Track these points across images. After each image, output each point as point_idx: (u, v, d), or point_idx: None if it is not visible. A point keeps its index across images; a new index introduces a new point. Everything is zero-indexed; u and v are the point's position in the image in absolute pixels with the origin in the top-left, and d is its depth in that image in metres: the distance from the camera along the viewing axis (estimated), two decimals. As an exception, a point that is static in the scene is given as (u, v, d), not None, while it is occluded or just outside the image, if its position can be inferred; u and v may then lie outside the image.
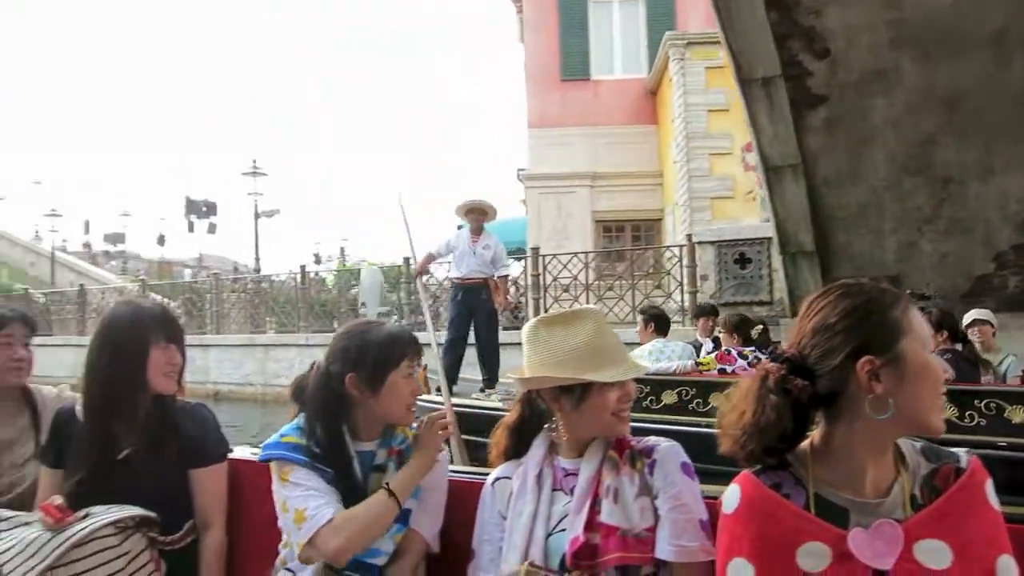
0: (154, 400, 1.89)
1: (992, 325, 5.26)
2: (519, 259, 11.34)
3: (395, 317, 11.96)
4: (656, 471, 1.48)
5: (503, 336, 10.01)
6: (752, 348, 5.25)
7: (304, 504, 1.64)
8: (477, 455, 3.75)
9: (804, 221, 6.74)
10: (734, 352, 5.20)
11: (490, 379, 7.01)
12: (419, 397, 1.83)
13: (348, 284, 15.69)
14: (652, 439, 1.55)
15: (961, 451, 1.28)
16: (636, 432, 1.60)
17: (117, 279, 24.77)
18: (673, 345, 5.55)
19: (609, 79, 15.99)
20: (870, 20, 5.23)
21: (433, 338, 4.39)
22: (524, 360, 1.62)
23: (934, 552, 1.14)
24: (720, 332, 5.66)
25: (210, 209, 32.61)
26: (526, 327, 1.64)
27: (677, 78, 13.05)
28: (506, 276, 7.37)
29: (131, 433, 1.84)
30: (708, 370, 5.20)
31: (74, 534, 1.64)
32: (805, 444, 1.28)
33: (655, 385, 5.12)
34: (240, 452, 2.11)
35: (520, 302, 11.51)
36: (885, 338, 1.19)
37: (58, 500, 1.72)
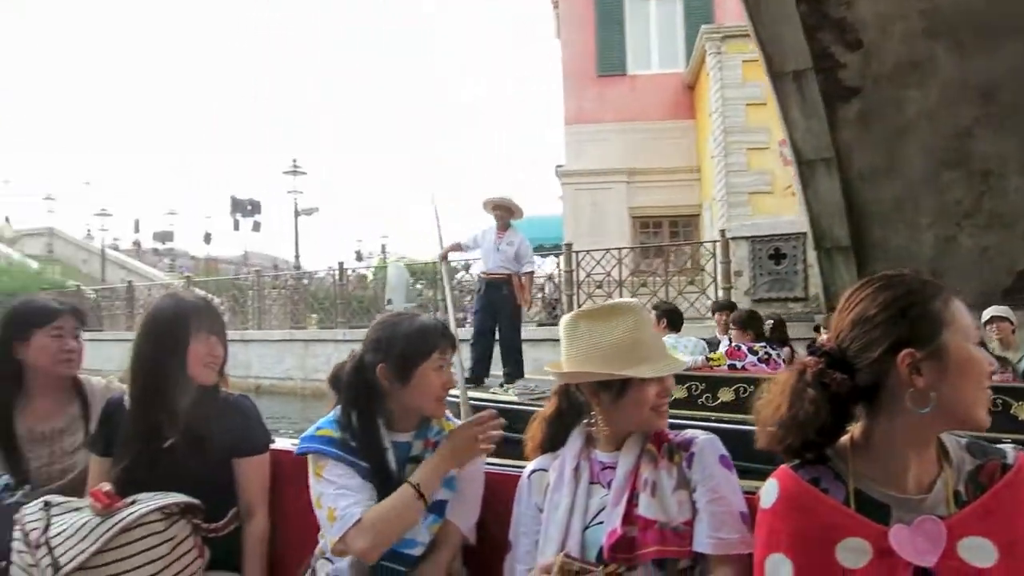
0: (198, 391, 1.94)
1: (1011, 322, 5.13)
2: (556, 256, 11.38)
3: (429, 313, 12.08)
4: (694, 464, 1.47)
5: (539, 332, 10.11)
6: (763, 344, 5.23)
7: (335, 503, 1.66)
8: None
9: (839, 216, 6.62)
10: (744, 348, 5.19)
11: (510, 374, 7.06)
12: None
13: (385, 281, 15.89)
14: (690, 432, 1.54)
15: (1008, 447, 1.25)
16: None
17: (165, 276, 25.44)
18: (685, 340, 5.58)
19: (646, 74, 15.89)
20: (902, 10, 5.11)
21: (453, 323, 4.43)
22: (562, 354, 1.62)
23: (979, 550, 1.12)
24: (731, 328, 5.64)
25: (255, 208, 33.21)
26: (564, 320, 1.63)
27: (714, 72, 12.91)
28: (531, 273, 7.39)
29: (175, 422, 1.89)
30: (718, 365, 5.20)
31: (122, 519, 1.70)
32: (845, 439, 1.26)
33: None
34: (281, 443, 2.16)
35: (556, 298, 11.52)
36: (926, 330, 1.16)
37: (107, 487, 1.77)
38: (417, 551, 1.69)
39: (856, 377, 1.20)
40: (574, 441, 1.63)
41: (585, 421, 1.65)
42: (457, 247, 7.64)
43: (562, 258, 10.77)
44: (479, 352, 7.13)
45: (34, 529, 1.71)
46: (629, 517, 1.44)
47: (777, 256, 8.43)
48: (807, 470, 1.25)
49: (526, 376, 7.02)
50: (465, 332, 7.49)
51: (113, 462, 1.90)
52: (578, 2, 15.96)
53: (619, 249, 10.45)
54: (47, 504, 1.78)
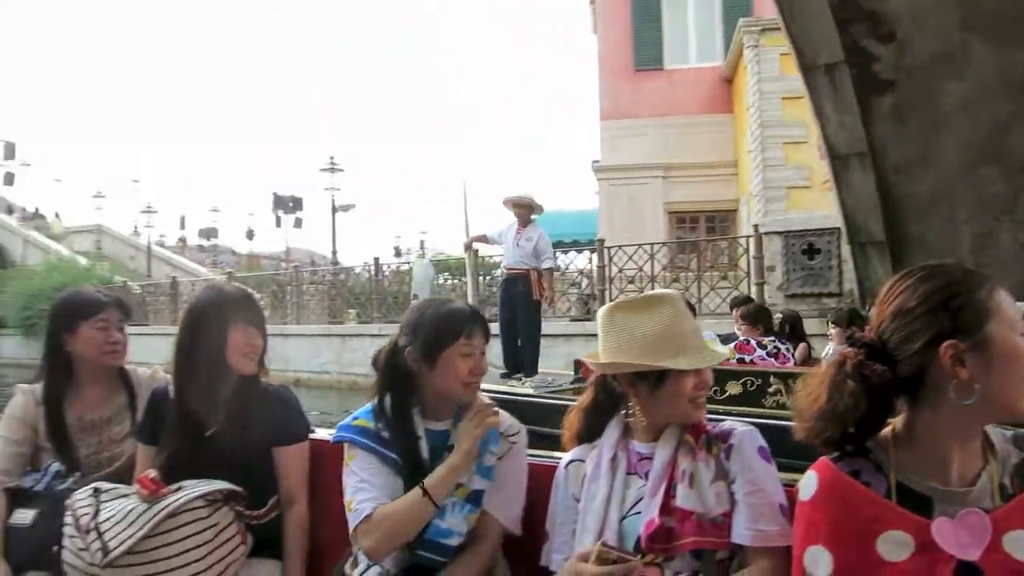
0: (238, 381, 1.98)
1: None
2: (590, 251, 11.39)
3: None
4: (733, 455, 1.47)
5: (572, 327, 10.14)
6: (771, 338, 5.23)
7: (353, 496, 1.69)
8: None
9: (873, 211, 6.51)
10: (752, 342, 5.20)
11: (528, 368, 7.18)
12: None
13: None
14: (728, 424, 1.54)
15: None
16: None
17: (208, 272, 26.02)
18: (698, 333, 5.60)
19: (683, 68, 15.75)
20: (937, 1, 5.03)
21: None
22: (599, 344, 1.61)
23: None
24: (740, 323, 5.65)
25: (296, 204, 33.78)
26: (601, 311, 1.64)
27: (751, 66, 12.76)
28: (549, 269, 7.49)
29: (216, 411, 1.93)
30: (727, 359, 5.18)
31: (167, 505, 1.75)
32: (886, 431, 1.25)
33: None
34: (321, 433, 2.19)
35: (590, 294, 11.53)
36: (970, 321, 1.15)
37: (153, 473, 1.82)
38: (453, 541, 1.68)
39: (897, 369, 1.19)
40: (611, 432, 1.62)
41: (622, 412, 1.64)
42: (483, 238, 7.87)
43: (595, 253, 10.80)
44: (503, 341, 7.27)
45: (84, 515, 1.77)
46: (667, 508, 1.45)
47: (811, 251, 8.31)
48: (847, 462, 1.23)
49: (550, 371, 7.13)
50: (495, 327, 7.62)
51: (158, 450, 1.96)
52: (616, -3, 15.91)
53: (651, 244, 10.42)
54: (96, 491, 1.83)
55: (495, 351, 7.02)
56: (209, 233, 44.54)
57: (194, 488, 1.80)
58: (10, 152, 36.99)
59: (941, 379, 1.16)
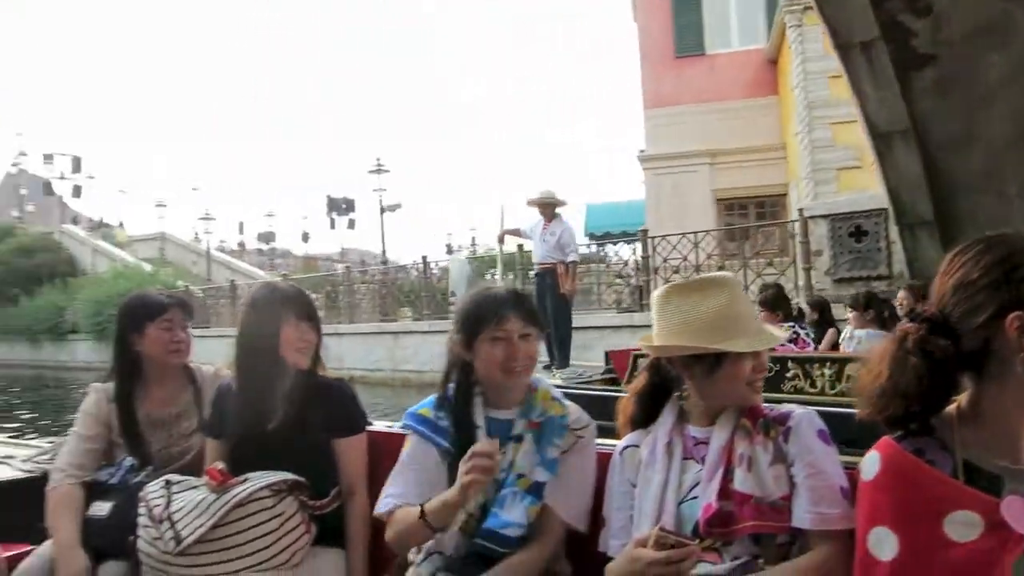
0: (296, 375, 2.03)
1: None
2: (634, 242, 11.39)
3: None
4: (791, 438, 1.44)
5: (618, 318, 10.17)
6: (791, 324, 5.21)
7: (391, 482, 1.76)
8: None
9: (920, 189, 6.37)
10: None
11: (559, 360, 7.30)
12: None
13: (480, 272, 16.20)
14: (786, 407, 1.52)
15: None
16: None
17: (265, 275, 26.75)
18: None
19: (726, 52, 15.57)
20: (974, -28, 4.91)
21: None
22: (654, 327, 1.60)
23: None
24: (760, 309, 5.64)
25: (349, 206, 34.37)
26: (656, 294, 1.62)
27: (795, 45, 12.53)
28: (573, 262, 7.66)
29: (275, 405, 1.98)
30: None
31: (235, 496, 1.81)
32: (951, 408, 1.21)
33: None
34: (379, 424, 2.25)
35: (639, 285, 11.54)
36: None
37: (220, 465, 1.89)
38: (513, 532, 1.65)
39: (961, 344, 1.16)
40: (666, 416, 1.61)
41: (677, 395, 1.63)
42: (516, 232, 8.13)
43: (638, 244, 10.80)
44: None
45: (157, 505, 1.85)
46: (724, 492, 1.43)
47: (858, 234, 8.10)
48: (910, 441, 1.19)
49: (591, 363, 7.23)
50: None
51: (225, 443, 2.04)
52: (655, -16, 15.79)
53: (695, 233, 10.38)
54: (168, 482, 1.91)
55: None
56: (267, 237, 45.59)
57: (260, 479, 1.86)
58: (77, 166, 38.57)
59: (1007, 353, 1.13)
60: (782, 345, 5.09)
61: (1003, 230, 1.23)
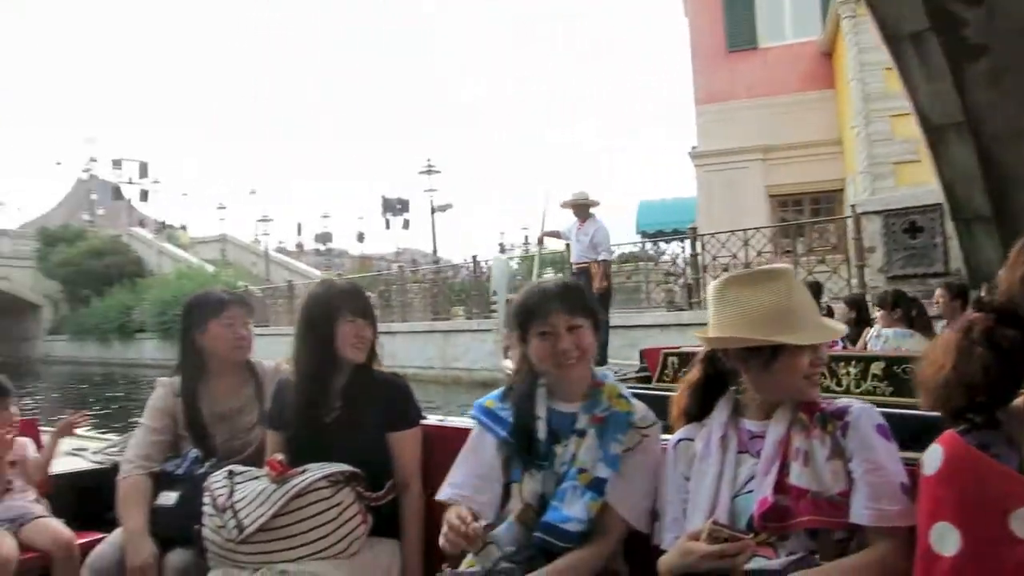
0: (351, 370, 2.08)
1: None
2: (684, 239, 11.34)
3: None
4: (849, 433, 1.42)
5: (667, 317, 10.15)
6: None
7: (454, 469, 1.81)
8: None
9: (975, 183, 6.19)
10: None
11: (596, 358, 7.32)
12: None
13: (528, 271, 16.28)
14: (843, 401, 1.49)
15: None
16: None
17: (322, 275, 27.35)
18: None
19: (779, 45, 15.28)
20: (1026, -38, 4.78)
21: None
22: (709, 319, 1.58)
23: None
24: None
25: (403, 206, 34.97)
26: (713, 286, 1.61)
27: (850, 37, 12.25)
28: (606, 260, 7.76)
29: (333, 399, 2.05)
30: None
31: (295, 486, 1.88)
32: (1019, 401, 1.18)
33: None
34: (432, 419, 2.28)
35: (689, 283, 11.49)
36: None
37: (280, 456, 1.95)
38: (573, 527, 1.62)
39: None
40: (721, 410, 1.59)
41: (732, 388, 1.61)
42: (555, 233, 8.28)
43: (688, 242, 10.75)
44: None
45: (220, 495, 1.93)
46: (780, 486, 1.41)
47: (913, 230, 7.89)
48: (975, 435, 1.16)
49: (627, 361, 7.27)
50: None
51: (283, 436, 2.10)
52: (706, -22, 15.61)
53: (744, 231, 10.27)
54: (231, 473, 1.99)
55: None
56: (324, 238, 46.63)
57: (318, 470, 1.92)
58: (143, 171, 40.11)
59: None
60: None
61: None
